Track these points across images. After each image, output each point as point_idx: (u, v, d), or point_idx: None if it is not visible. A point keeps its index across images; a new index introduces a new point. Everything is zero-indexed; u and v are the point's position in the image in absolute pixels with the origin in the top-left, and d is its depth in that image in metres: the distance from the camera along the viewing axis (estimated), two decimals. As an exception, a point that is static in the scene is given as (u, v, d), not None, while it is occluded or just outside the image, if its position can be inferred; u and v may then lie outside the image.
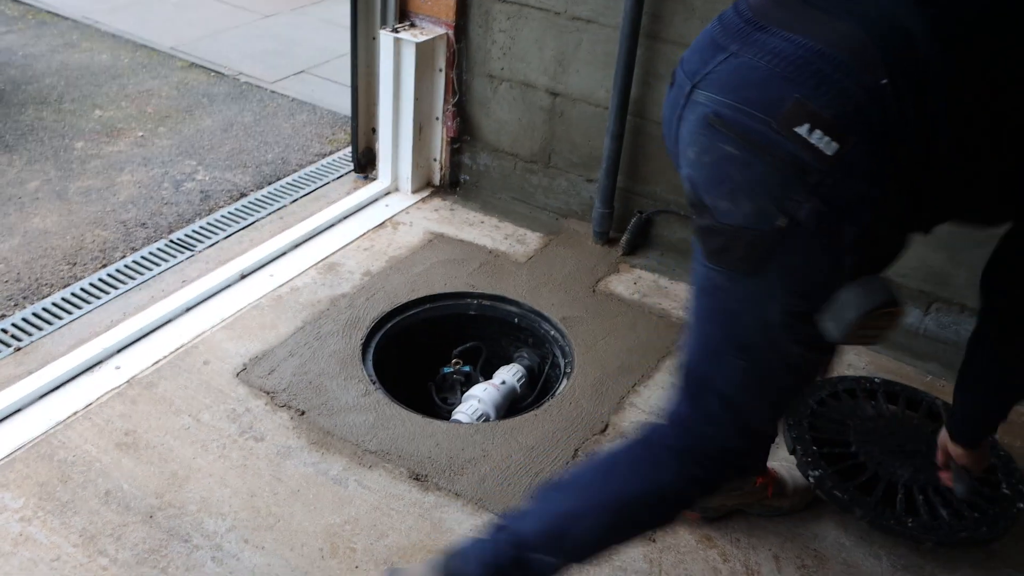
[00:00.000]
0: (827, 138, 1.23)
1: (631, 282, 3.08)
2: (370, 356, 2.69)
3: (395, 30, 3.20)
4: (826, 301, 1.34)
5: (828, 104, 1.23)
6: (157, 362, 2.52)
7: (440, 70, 3.31)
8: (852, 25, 1.24)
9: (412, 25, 3.27)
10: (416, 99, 3.29)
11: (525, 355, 2.98)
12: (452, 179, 3.55)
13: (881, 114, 1.22)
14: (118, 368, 2.49)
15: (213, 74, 4.49)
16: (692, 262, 1.57)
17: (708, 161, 1.40)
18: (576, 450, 2.38)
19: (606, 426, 2.47)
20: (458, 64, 3.31)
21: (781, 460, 2.29)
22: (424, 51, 3.21)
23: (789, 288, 1.38)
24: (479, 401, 2.69)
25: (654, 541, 2.14)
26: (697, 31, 2.88)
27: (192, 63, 4.58)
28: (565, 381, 2.68)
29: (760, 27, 1.36)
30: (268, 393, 2.45)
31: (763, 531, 2.18)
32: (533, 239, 3.27)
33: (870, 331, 1.33)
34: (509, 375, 2.84)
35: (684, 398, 1.61)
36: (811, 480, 2.17)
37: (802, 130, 1.24)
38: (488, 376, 2.89)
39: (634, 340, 2.80)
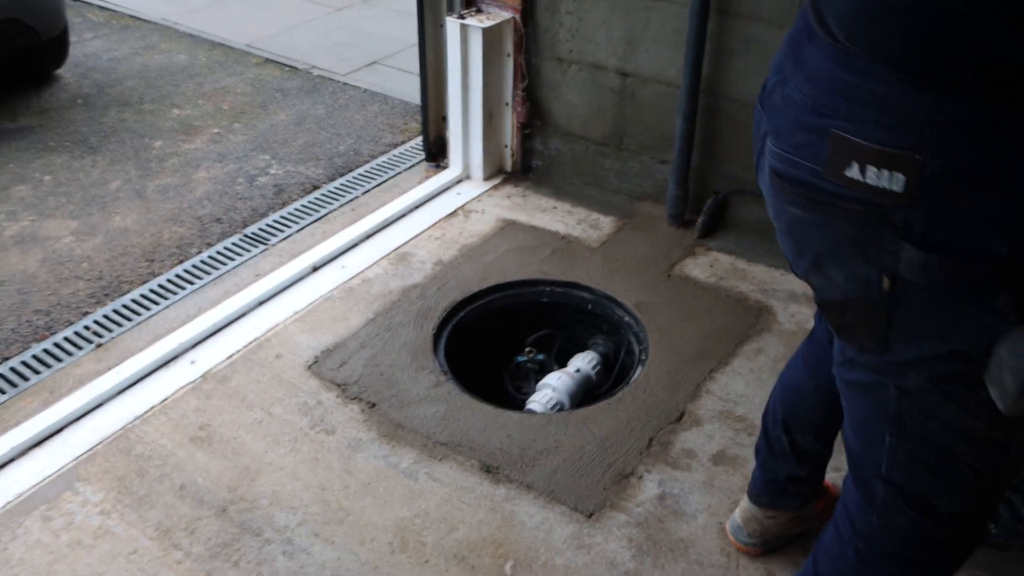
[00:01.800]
0: (885, 171, 0.99)
1: (707, 265, 2.99)
2: (442, 346, 2.66)
3: (461, 16, 3.16)
4: (987, 357, 1.06)
5: (863, 124, 1.01)
6: (231, 356, 2.55)
7: (508, 55, 3.26)
8: None
9: (478, 11, 3.22)
10: (485, 85, 3.25)
11: (600, 342, 2.91)
12: (524, 165, 3.50)
13: (954, 82, 0.94)
14: (193, 363, 2.52)
15: (287, 69, 4.54)
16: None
17: (782, 229, 1.21)
18: (651, 439, 2.31)
19: (682, 414, 2.39)
20: (526, 48, 3.25)
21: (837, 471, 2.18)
22: (491, 36, 3.17)
23: (930, 354, 1.12)
24: (553, 390, 2.64)
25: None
26: (769, 3, 2.79)
27: (266, 59, 4.64)
28: (639, 368, 2.61)
29: (810, 35, 1.12)
30: (339, 386, 2.45)
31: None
32: (606, 223, 3.20)
33: None
34: (584, 362, 2.78)
35: (857, 489, 1.37)
36: None
37: (853, 172, 1.01)
38: (563, 364, 2.84)
39: (710, 325, 2.71)
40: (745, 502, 2.00)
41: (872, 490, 1.32)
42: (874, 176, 0.99)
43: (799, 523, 2.00)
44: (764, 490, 1.94)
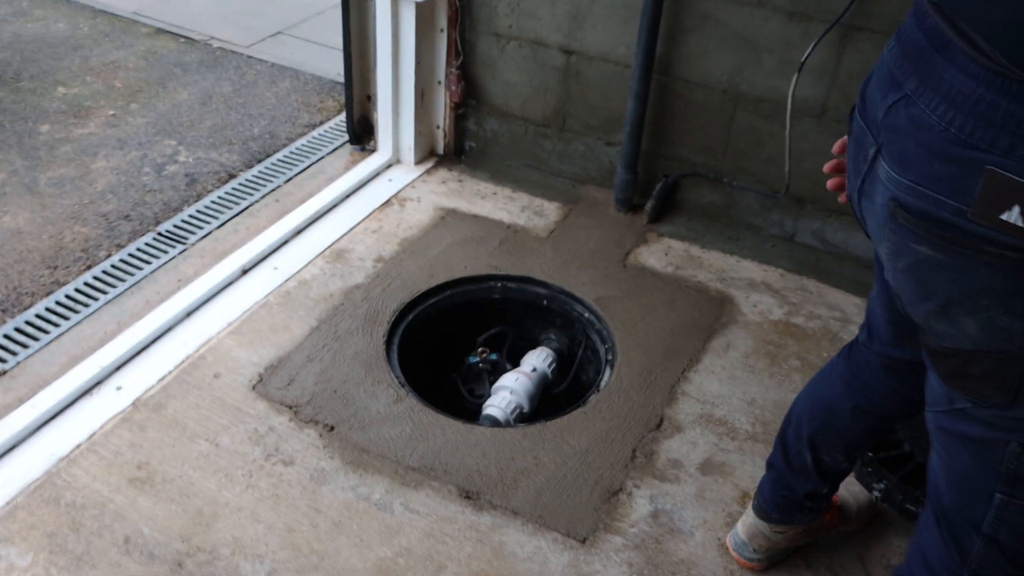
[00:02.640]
0: None
1: (662, 253, 2.86)
2: (395, 354, 2.46)
3: (392, -12, 2.91)
4: None
5: None
6: (163, 379, 2.27)
7: (442, 30, 3.03)
8: None
9: (409, -19, 2.97)
10: (417, 63, 3.01)
11: (553, 337, 2.77)
12: (456, 147, 3.29)
13: None
14: (120, 388, 2.24)
15: (183, 40, 4.14)
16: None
17: (903, 268, 1.08)
18: (634, 450, 2.18)
19: (661, 420, 2.27)
20: (461, 23, 3.02)
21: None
22: (424, 10, 2.93)
23: None
24: (511, 392, 2.49)
25: None
26: (727, -22, 2.67)
27: (158, 28, 4.23)
28: (608, 371, 2.47)
29: (942, 45, 0.98)
30: (291, 407, 2.21)
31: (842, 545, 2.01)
32: (551, 210, 3.03)
33: None
34: (539, 361, 2.63)
35: (945, 541, 1.29)
36: (876, 495, 2.00)
37: (1012, 216, 0.90)
38: (515, 362, 2.68)
39: (675, 319, 2.60)
40: (751, 517, 1.90)
41: (966, 546, 1.24)
42: None
43: (807, 536, 1.92)
44: (777, 506, 1.83)
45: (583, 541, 1.95)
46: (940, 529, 1.28)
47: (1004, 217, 0.91)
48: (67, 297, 2.56)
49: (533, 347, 2.71)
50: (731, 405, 2.33)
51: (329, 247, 2.78)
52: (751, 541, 1.90)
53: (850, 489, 2.07)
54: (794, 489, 1.79)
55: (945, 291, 1.03)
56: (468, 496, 2.03)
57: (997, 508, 1.17)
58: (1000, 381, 1.05)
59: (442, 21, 3.01)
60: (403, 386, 2.34)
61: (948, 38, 0.97)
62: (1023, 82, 0.89)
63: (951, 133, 0.94)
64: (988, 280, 0.98)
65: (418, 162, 3.22)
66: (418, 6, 2.88)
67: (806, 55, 2.55)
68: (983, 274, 0.98)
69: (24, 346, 2.38)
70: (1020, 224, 0.90)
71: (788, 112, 2.64)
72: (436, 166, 3.24)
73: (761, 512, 1.87)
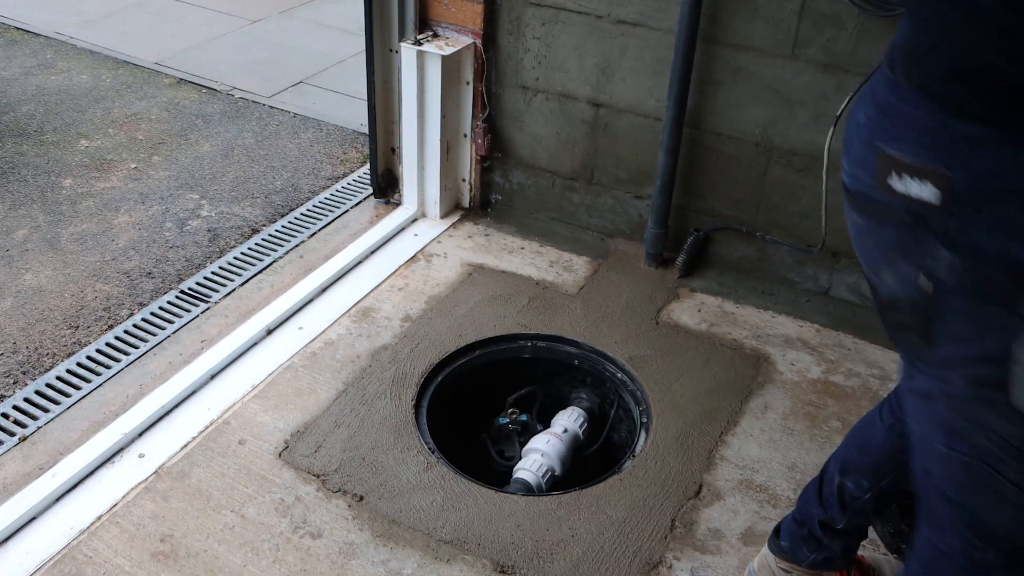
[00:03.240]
0: (919, 182, 1.11)
1: (695, 309, 2.80)
2: (424, 419, 2.39)
3: (418, 42, 2.88)
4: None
5: (903, 142, 1.13)
6: (186, 445, 2.21)
7: (468, 83, 3.00)
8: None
9: (435, 35, 2.94)
10: (443, 116, 2.97)
11: (584, 396, 2.70)
12: (483, 200, 3.25)
13: (975, 92, 1.05)
14: (142, 456, 2.18)
15: (204, 91, 4.13)
16: None
17: (852, 237, 1.32)
18: (673, 519, 2.10)
19: (700, 487, 2.19)
20: (487, 76, 2.99)
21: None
22: (450, 63, 2.90)
23: (966, 356, 1.18)
24: (543, 455, 2.42)
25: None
26: (761, 33, 2.62)
27: (180, 79, 4.22)
28: (644, 434, 2.40)
29: (883, 69, 1.23)
30: (318, 476, 2.15)
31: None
32: (581, 265, 2.97)
33: None
34: (570, 421, 2.56)
35: (922, 509, 1.38)
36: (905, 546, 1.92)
37: (894, 182, 1.14)
38: (545, 422, 2.61)
39: (711, 379, 2.52)
40: (764, 548, 1.91)
41: (932, 509, 1.34)
42: (916, 188, 1.11)
43: None
44: (789, 533, 1.83)
45: (624, 620, 1.87)
46: (922, 511, 1.37)
47: (891, 184, 1.14)
48: (88, 359, 2.51)
49: (563, 407, 2.64)
50: (771, 470, 2.25)
51: (355, 305, 2.72)
52: (759, 571, 1.90)
53: (886, 557, 1.99)
54: (810, 514, 1.76)
55: (871, 250, 1.26)
56: (503, 571, 1.96)
57: (942, 462, 1.27)
58: (916, 325, 1.21)
59: (468, 74, 2.98)
60: (433, 452, 2.27)
61: (884, 62, 1.23)
62: (902, 85, 1.15)
63: (867, 125, 1.20)
64: (893, 237, 1.19)
65: (444, 216, 3.17)
66: (444, 59, 2.85)
67: (842, 108, 2.50)
68: (889, 232, 1.19)
69: (45, 410, 2.33)
70: (903, 190, 1.13)
71: (824, 166, 2.59)
72: (462, 220, 3.19)
73: (773, 541, 1.87)
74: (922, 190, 1.10)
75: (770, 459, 2.28)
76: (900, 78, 1.16)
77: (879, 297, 1.30)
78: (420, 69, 2.90)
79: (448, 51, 2.86)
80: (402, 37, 2.94)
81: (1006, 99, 1.04)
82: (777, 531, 1.88)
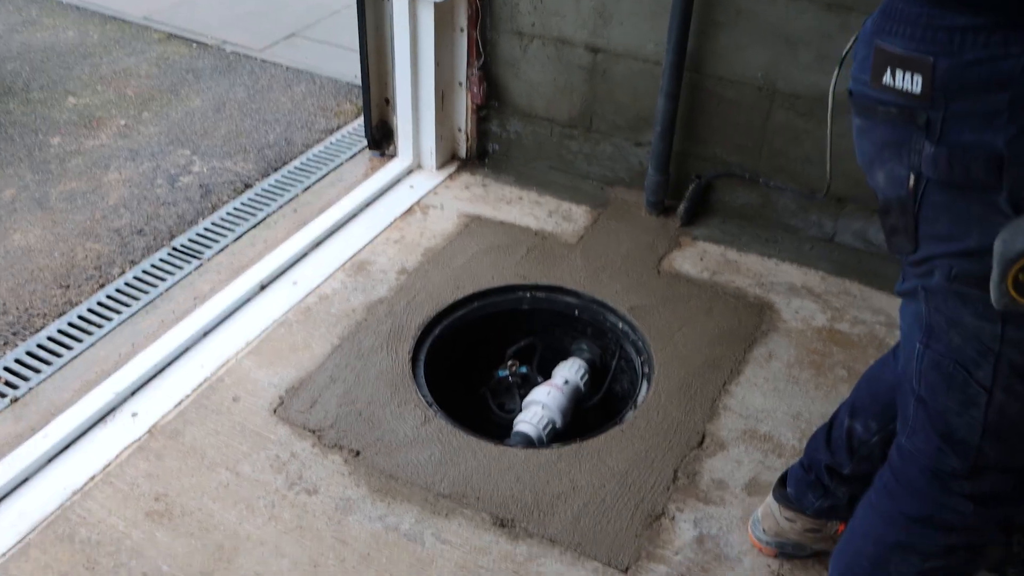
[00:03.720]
0: (907, 74, 1.13)
1: (697, 258, 2.74)
2: (421, 372, 2.35)
3: (409, -12, 2.79)
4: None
5: (896, 36, 1.15)
6: (179, 403, 2.17)
7: (462, 30, 2.91)
8: None
9: (427, -20, 2.85)
10: (437, 64, 2.89)
11: (585, 347, 2.65)
12: (480, 150, 3.18)
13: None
14: (135, 415, 2.14)
15: (195, 45, 4.04)
16: None
17: (855, 143, 1.32)
18: (675, 470, 2.06)
19: (703, 438, 2.15)
20: (481, 22, 2.90)
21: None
22: (443, 10, 2.81)
23: (948, 252, 1.20)
24: (543, 407, 2.38)
25: (787, 581, 1.84)
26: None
27: (170, 34, 4.12)
28: (646, 384, 2.35)
29: None
30: (313, 432, 2.11)
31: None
32: (580, 214, 2.91)
33: None
34: (571, 372, 2.52)
35: (899, 414, 1.41)
36: None
37: (887, 78, 1.16)
38: (546, 374, 2.57)
39: (713, 328, 2.47)
40: (769, 496, 1.89)
41: (907, 414, 1.35)
42: (901, 80, 1.13)
43: (816, 537, 1.84)
44: (795, 480, 1.81)
45: (625, 571, 1.84)
46: (900, 405, 1.39)
47: (884, 80, 1.16)
48: (80, 318, 2.47)
49: (564, 359, 2.59)
50: (776, 419, 2.20)
51: (350, 259, 2.67)
52: (763, 520, 1.88)
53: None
54: (818, 460, 1.74)
55: (867, 150, 1.26)
56: (502, 524, 1.92)
57: (918, 360, 1.28)
58: (905, 228, 1.22)
59: (462, 20, 2.89)
60: (431, 406, 2.23)
61: None
62: None
63: (871, 27, 1.21)
64: (885, 135, 1.20)
65: (440, 167, 3.11)
66: (437, 6, 2.76)
67: (847, 49, 2.41)
68: (882, 131, 1.21)
69: (36, 371, 2.29)
70: (892, 83, 1.15)
71: (829, 109, 2.50)
72: (459, 170, 3.13)
73: (778, 490, 1.86)
74: (910, 82, 1.13)
75: (774, 408, 2.24)
76: None
77: (880, 199, 1.30)
78: (412, 16, 2.81)
79: (440, -4, 2.77)
80: (393, -17, 2.85)
81: None
82: (783, 479, 1.86)
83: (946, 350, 1.25)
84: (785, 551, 1.87)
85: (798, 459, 1.83)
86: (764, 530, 1.88)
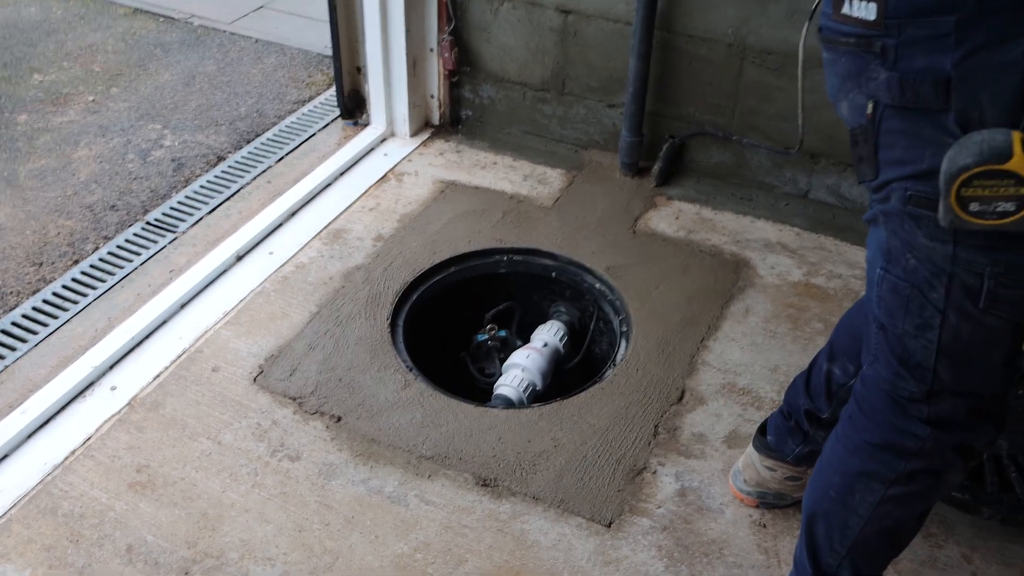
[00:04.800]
0: (863, 2, 1.15)
1: (672, 217, 2.75)
2: (400, 337, 2.35)
3: (376, -48, 2.77)
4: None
5: None
6: (158, 375, 2.17)
7: (431, -6, 2.89)
8: None
9: (394, -56, 2.83)
10: (407, 30, 2.87)
11: (563, 310, 2.66)
12: (452, 116, 3.16)
13: None
14: (114, 389, 2.13)
15: (162, 19, 3.98)
16: None
17: (825, 75, 1.34)
18: (656, 426, 2.08)
19: (682, 393, 2.17)
20: (450, -15, 2.88)
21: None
22: (412, -26, 2.79)
23: (903, 176, 1.21)
24: (523, 370, 2.39)
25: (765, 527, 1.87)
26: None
27: (135, 8, 4.06)
28: (624, 343, 2.37)
29: None
30: (294, 399, 2.11)
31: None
32: (555, 177, 2.91)
33: (982, 203, 1.09)
34: (550, 335, 2.53)
35: (864, 345, 1.43)
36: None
37: (846, 7, 1.17)
38: (525, 338, 2.58)
39: (690, 285, 2.49)
40: (749, 447, 1.92)
41: (869, 340, 1.38)
42: (858, 8, 1.15)
43: (796, 485, 1.87)
44: (774, 427, 1.84)
45: (608, 525, 1.86)
46: (864, 335, 1.41)
47: (843, 10, 1.17)
48: (54, 295, 2.45)
49: (543, 321, 2.60)
50: (754, 373, 2.23)
51: (326, 228, 2.66)
52: (744, 471, 1.91)
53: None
54: (797, 405, 1.76)
55: (833, 83, 1.28)
56: (485, 484, 1.94)
57: (878, 285, 1.30)
58: (867, 156, 1.24)
59: (431, -15, 2.87)
60: (411, 370, 2.23)
61: None
62: None
63: None
64: (847, 66, 1.22)
65: (413, 134, 3.09)
66: (405, -30, 2.74)
67: (817, 2, 2.41)
68: (844, 62, 1.23)
69: (11, 348, 2.27)
70: (849, 12, 1.16)
71: (800, 63, 2.50)
72: (432, 137, 3.11)
73: (759, 439, 1.88)
74: (865, 10, 1.14)
75: (752, 362, 2.26)
76: None
77: (848, 129, 1.32)
78: (380, -19, 2.79)
79: (408, -40, 2.75)
80: (360, -52, 2.82)
81: None
82: (762, 428, 1.88)
83: (903, 273, 1.27)
84: (766, 500, 1.90)
85: (776, 414, 1.85)
86: (745, 480, 1.90)
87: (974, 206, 1.09)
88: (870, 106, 1.20)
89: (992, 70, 1.08)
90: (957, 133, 1.11)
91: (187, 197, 2.84)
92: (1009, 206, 1.08)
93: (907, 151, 1.19)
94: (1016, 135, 1.05)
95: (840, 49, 1.23)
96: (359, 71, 3.12)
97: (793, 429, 1.79)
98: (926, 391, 1.31)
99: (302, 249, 2.58)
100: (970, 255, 1.17)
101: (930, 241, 1.20)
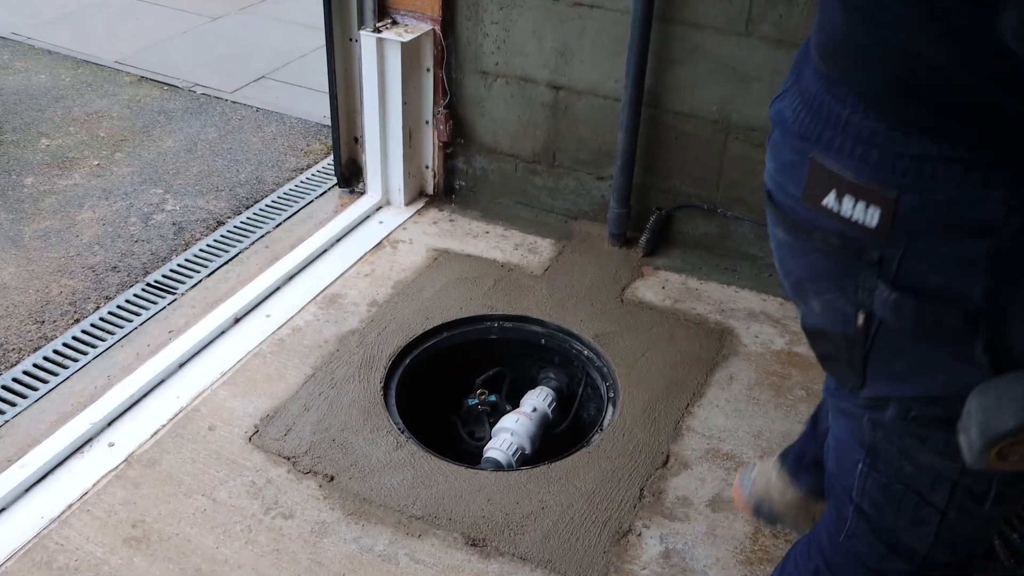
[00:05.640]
0: (860, 204, 0.95)
1: (659, 287, 2.83)
2: (393, 400, 2.41)
3: (377, 30, 2.89)
4: (962, 404, 0.98)
5: (843, 155, 0.96)
6: (156, 433, 2.21)
7: (428, 70, 3.01)
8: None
9: (394, 23, 2.96)
10: (404, 103, 2.99)
11: (552, 375, 2.72)
12: (447, 186, 3.27)
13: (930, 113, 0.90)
14: (112, 445, 2.18)
15: (166, 88, 4.11)
16: None
17: (774, 249, 1.16)
18: (641, 489, 2.13)
19: (667, 458, 2.23)
20: (447, 63, 3.01)
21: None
22: (410, 51, 2.91)
23: (906, 394, 1.07)
24: (512, 434, 2.44)
25: None
26: (715, 10, 2.66)
27: (141, 77, 4.20)
28: (611, 409, 2.43)
29: (809, 52, 1.07)
30: (288, 458, 2.16)
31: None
32: (545, 246, 3.00)
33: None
34: (539, 400, 2.59)
35: (831, 508, 1.33)
36: None
37: (830, 202, 0.97)
38: (515, 403, 2.64)
39: (676, 353, 2.56)
40: (774, 457, 1.85)
41: (843, 512, 1.26)
42: (849, 208, 0.96)
43: (800, 516, 1.80)
44: (795, 456, 1.78)
45: (595, 586, 1.90)
46: (828, 496, 1.32)
47: (824, 203, 0.98)
48: (55, 352, 2.50)
49: (532, 387, 2.66)
50: (737, 439, 2.29)
51: (322, 292, 2.74)
52: (757, 477, 1.87)
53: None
54: (808, 449, 1.73)
55: (796, 273, 1.11)
56: (474, 544, 1.98)
57: (859, 477, 1.19)
58: (849, 362, 1.08)
59: (428, 60, 2.99)
60: (403, 432, 2.28)
61: (810, 46, 1.07)
62: (840, 84, 0.97)
63: (796, 126, 1.02)
64: (822, 264, 1.04)
65: (408, 203, 3.19)
66: (403, 45, 2.86)
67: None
68: (818, 258, 1.04)
69: (12, 404, 2.32)
70: (836, 210, 0.97)
71: (780, 141, 2.63)
72: (427, 206, 3.21)
73: (782, 454, 1.82)
74: (862, 213, 0.95)
75: (736, 428, 2.32)
76: (835, 74, 0.99)
77: (805, 325, 1.17)
78: (380, 57, 2.91)
79: (407, 37, 2.87)
80: (361, 25, 2.95)
81: (977, 119, 0.89)
82: (786, 451, 1.84)
83: (896, 475, 1.15)
84: (761, 512, 1.86)
85: (796, 444, 1.80)
86: (753, 480, 1.86)
87: (1015, 458, 0.94)
88: (861, 318, 1.03)
89: None
90: (984, 364, 0.97)
91: (187, 260, 2.92)
92: None
93: (913, 369, 1.04)
94: None
95: (812, 242, 1.04)
96: (356, 141, 3.23)
97: (807, 468, 1.74)
98: (916, 569, 1.22)
99: (298, 313, 2.65)
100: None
101: (936, 456, 1.08)
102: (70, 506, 2.02)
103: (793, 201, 1.04)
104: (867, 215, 0.94)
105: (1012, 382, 0.93)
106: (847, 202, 0.95)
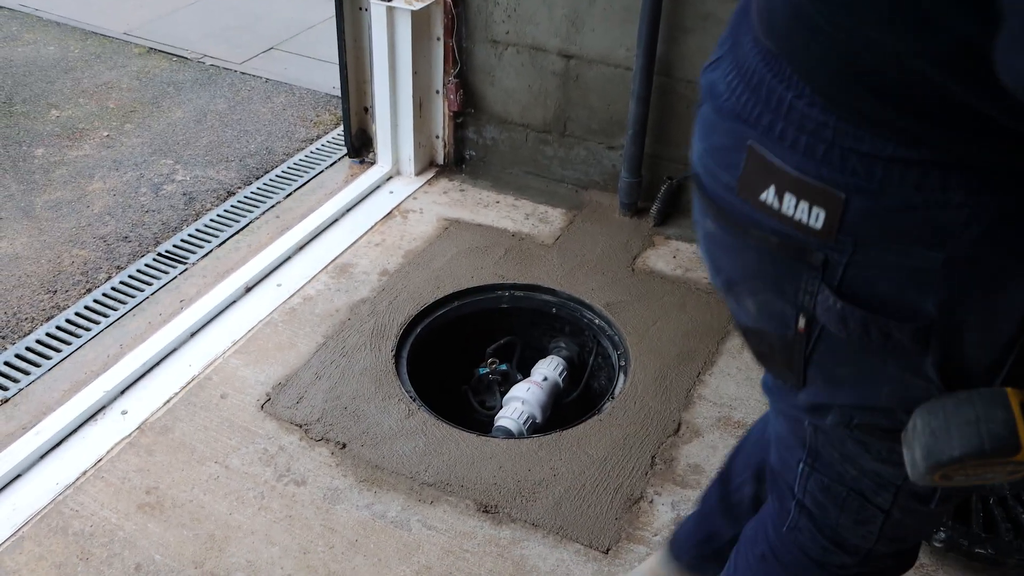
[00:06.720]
0: (802, 203, 0.83)
1: (670, 256, 2.82)
2: (404, 368, 2.41)
3: (386, -2, 2.87)
4: (908, 416, 0.92)
5: (784, 145, 0.83)
6: (168, 401, 2.23)
7: (438, 39, 2.99)
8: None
9: (403, -9, 2.93)
10: (414, 73, 2.97)
11: (563, 345, 2.72)
12: (457, 156, 3.25)
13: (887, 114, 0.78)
14: (125, 413, 2.19)
15: (175, 59, 4.10)
16: None
17: (700, 240, 1.03)
18: (653, 457, 2.14)
19: (679, 425, 2.23)
20: (457, 31, 2.99)
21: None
22: (420, 19, 2.89)
23: (849, 402, 0.99)
24: (523, 403, 2.44)
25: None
26: (726, -25, 2.63)
27: (150, 48, 4.19)
28: (623, 377, 2.43)
29: (747, 15, 0.92)
30: (300, 426, 2.17)
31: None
32: (556, 216, 2.99)
33: (971, 476, 0.88)
34: (550, 369, 2.59)
35: (774, 500, 1.28)
36: (937, 545, 1.92)
37: (769, 197, 0.85)
38: (525, 372, 2.64)
39: (687, 322, 2.55)
40: (663, 555, 1.69)
41: (785, 505, 1.21)
42: (791, 206, 0.84)
43: None
44: (696, 544, 1.62)
45: (606, 551, 1.91)
46: (772, 488, 1.27)
47: (762, 198, 0.86)
48: (68, 321, 2.51)
49: (543, 356, 2.66)
50: (748, 407, 2.28)
51: (332, 262, 2.73)
52: None
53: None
54: (720, 531, 1.56)
55: (727, 270, 0.99)
56: (486, 510, 1.99)
57: (801, 476, 1.14)
58: (787, 363, 0.98)
59: (438, 29, 2.97)
60: (414, 400, 2.29)
61: (750, 10, 0.91)
62: (785, 65, 0.84)
63: (732, 103, 0.88)
64: (758, 264, 0.92)
65: (418, 173, 3.18)
66: (414, 14, 2.84)
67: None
68: (753, 257, 0.92)
69: (25, 373, 2.33)
70: (775, 205, 0.85)
71: (793, 108, 2.60)
72: (437, 176, 3.20)
73: (672, 550, 1.67)
74: (805, 213, 0.84)
75: (747, 396, 2.32)
76: (780, 53, 0.85)
77: (736, 321, 1.06)
78: (390, 25, 2.89)
79: (418, 6, 2.85)
80: (371, -6, 2.93)
81: (936, 116, 0.78)
82: (675, 539, 1.69)
83: (838, 478, 1.10)
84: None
85: (693, 533, 1.64)
86: None
87: (960, 479, 0.88)
88: (802, 321, 0.92)
89: (986, 314, 0.86)
90: (934, 378, 0.89)
91: (197, 230, 2.92)
92: (1000, 476, 0.88)
93: (857, 379, 0.96)
94: (1015, 406, 0.84)
95: (748, 240, 0.91)
96: (366, 111, 3.21)
97: (716, 554, 1.56)
98: (859, 561, 1.19)
99: (309, 282, 2.65)
100: None
101: (879, 463, 1.03)
102: (84, 473, 2.03)
103: (726, 191, 0.91)
104: (811, 216, 0.83)
105: (961, 404, 0.86)
106: (788, 199, 0.84)
